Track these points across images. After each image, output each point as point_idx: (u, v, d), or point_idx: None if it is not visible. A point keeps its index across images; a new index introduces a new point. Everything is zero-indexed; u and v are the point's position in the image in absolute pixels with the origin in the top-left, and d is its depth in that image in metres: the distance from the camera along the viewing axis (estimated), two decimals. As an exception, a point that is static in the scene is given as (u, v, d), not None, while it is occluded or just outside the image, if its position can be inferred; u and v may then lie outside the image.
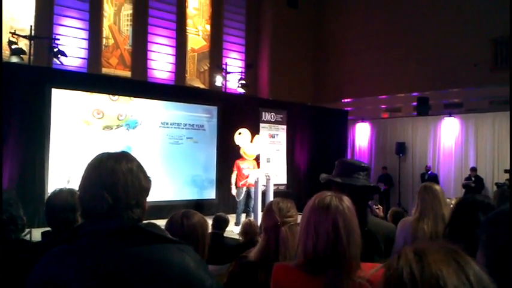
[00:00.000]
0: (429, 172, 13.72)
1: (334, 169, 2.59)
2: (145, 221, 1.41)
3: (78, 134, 9.42)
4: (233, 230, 8.66)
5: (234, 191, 9.45)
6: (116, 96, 10.07)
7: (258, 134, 10.80)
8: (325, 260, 1.65)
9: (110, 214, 1.34)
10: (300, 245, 1.74)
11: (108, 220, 1.34)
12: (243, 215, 9.28)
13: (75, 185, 2.45)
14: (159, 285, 1.29)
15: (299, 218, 1.93)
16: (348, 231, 1.67)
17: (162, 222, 2.24)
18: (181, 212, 2.18)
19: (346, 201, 1.74)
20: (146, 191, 1.44)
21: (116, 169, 1.37)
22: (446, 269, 0.60)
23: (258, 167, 9.82)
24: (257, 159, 10.10)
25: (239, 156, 9.64)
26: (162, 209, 9.46)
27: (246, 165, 9.45)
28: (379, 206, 7.48)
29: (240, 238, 5.39)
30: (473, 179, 12.66)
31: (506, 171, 11.88)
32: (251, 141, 9.74)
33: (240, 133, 9.65)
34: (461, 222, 2.28)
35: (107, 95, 9.95)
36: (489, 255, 1.05)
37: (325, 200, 1.72)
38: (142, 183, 1.42)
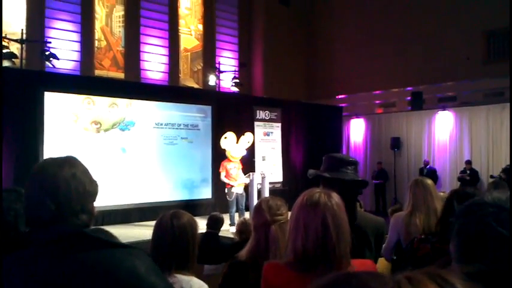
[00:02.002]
0: (428, 167, 13.71)
1: (322, 164, 2.59)
2: (92, 227, 1.39)
3: (72, 136, 9.40)
4: (229, 230, 8.69)
5: (244, 180, 9.65)
6: (111, 99, 10.05)
7: (252, 132, 10.83)
8: (315, 258, 1.64)
9: (54, 221, 1.32)
10: (290, 242, 1.73)
11: (52, 227, 1.31)
12: (236, 215, 9.34)
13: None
14: None
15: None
16: (337, 228, 1.65)
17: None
18: (170, 213, 2.18)
19: (335, 197, 1.73)
20: (92, 195, 1.41)
21: (57, 175, 1.34)
22: None
23: (242, 165, 9.91)
24: (249, 158, 10.21)
25: None
26: (158, 209, 9.44)
27: (232, 165, 9.64)
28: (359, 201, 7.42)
29: (236, 237, 5.40)
30: (468, 172, 12.70)
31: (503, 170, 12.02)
32: (237, 143, 9.92)
33: (225, 137, 9.85)
34: (451, 217, 2.28)
35: (101, 97, 9.92)
36: (459, 245, 1.06)
37: (314, 197, 1.71)
38: (87, 188, 1.38)
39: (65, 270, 1.26)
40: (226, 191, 9.62)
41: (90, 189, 1.40)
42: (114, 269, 1.27)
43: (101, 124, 9.86)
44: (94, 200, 1.42)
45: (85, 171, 1.41)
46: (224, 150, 9.82)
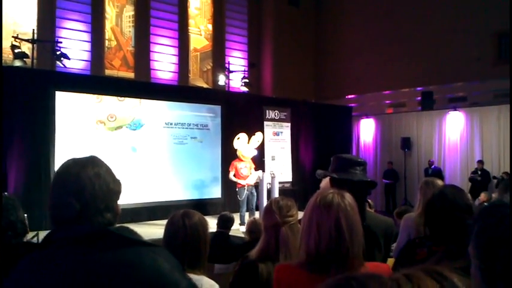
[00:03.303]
0: (433, 166, 13.66)
1: (331, 165, 2.58)
2: (116, 225, 1.39)
3: (83, 136, 9.44)
4: (239, 229, 8.71)
5: (255, 176, 9.69)
6: (122, 98, 10.09)
7: (261, 131, 10.83)
8: (328, 259, 1.63)
9: (78, 220, 1.33)
10: (302, 244, 1.72)
11: (77, 226, 1.32)
12: (247, 214, 9.34)
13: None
14: None
15: (300, 215, 1.93)
16: (351, 229, 1.65)
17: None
18: (181, 212, 2.18)
19: (348, 198, 1.72)
20: (116, 194, 1.42)
21: (81, 174, 1.36)
22: None
23: (255, 165, 9.91)
24: (259, 158, 10.23)
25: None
26: (168, 209, 9.50)
27: (243, 165, 9.65)
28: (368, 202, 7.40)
29: (246, 237, 5.40)
30: (479, 172, 12.60)
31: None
32: (248, 143, 9.94)
33: (238, 138, 9.88)
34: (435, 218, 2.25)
35: (112, 97, 9.97)
36: (479, 247, 1.06)
37: (327, 197, 1.70)
38: (111, 186, 1.40)
39: (90, 268, 1.26)
40: (237, 190, 9.63)
41: (114, 187, 1.41)
42: (138, 267, 1.28)
43: (111, 124, 9.91)
44: (118, 199, 1.43)
45: (108, 170, 1.43)
46: (236, 150, 9.84)
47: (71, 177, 1.36)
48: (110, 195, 1.39)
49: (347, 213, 1.66)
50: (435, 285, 0.59)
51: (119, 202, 1.44)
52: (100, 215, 1.36)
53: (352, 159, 2.57)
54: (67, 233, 1.32)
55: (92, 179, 1.36)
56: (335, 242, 1.63)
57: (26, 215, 2.36)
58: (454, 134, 14.12)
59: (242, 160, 9.70)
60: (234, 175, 9.59)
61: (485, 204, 7.50)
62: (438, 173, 12.80)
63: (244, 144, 9.86)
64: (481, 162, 12.85)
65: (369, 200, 7.13)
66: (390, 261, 3.25)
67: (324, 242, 1.64)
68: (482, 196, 8.14)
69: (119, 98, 10.06)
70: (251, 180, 9.59)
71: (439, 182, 3.27)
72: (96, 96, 9.73)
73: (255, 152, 10.11)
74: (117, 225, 1.40)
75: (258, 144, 10.23)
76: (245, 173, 9.57)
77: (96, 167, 1.40)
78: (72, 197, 1.33)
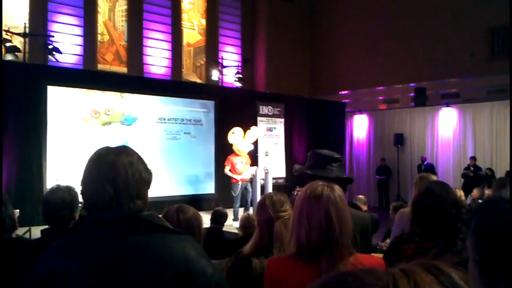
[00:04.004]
0: (425, 163, 13.72)
1: (307, 161, 2.58)
2: (146, 212, 1.44)
3: (75, 130, 9.40)
4: (232, 225, 8.70)
5: (250, 171, 9.69)
6: (114, 93, 10.04)
7: (255, 127, 10.81)
8: (319, 249, 1.67)
9: (111, 205, 1.37)
10: (293, 235, 1.76)
11: (109, 211, 1.37)
12: (241, 210, 9.33)
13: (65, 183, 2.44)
14: (160, 273, 1.31)
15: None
16: (340, 220, 1.69)
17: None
18: (175, 207, 2.18)
19: (338, 190, 1.76)
20: (147, 183, 1.47)
21: (116, 162, 1.40)
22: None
23: (251, 160, 9.89)
24: (252, 153, 10.22)
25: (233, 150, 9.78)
26: (162, 204, 9.44)
27: (239, 160, 9.63)
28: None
29: (239, 232, 5.39)
30: (472, 168, 12.66)
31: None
32: (244, 138, 9.92)
33: (233, 132, 9.85)
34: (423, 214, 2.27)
35: (104, 91, 9.91)
36: (477, 242, 1.06)
37: (317, 189, 1.74)
38: (143, 175, 1.44)
39: (120, 251, 1.32)
40: (231, 185, 9.62)
41: (146, 176, 1.45)
42: (167, 252, 1.34)
43: (103, 118, 9.86)
44: (149, 187, 1.47)
45: (141, 159, 1.47)
46: (231, 145, 9.81)
47: (106, 165, 1.40)
48: (142, 183, 1.44)
49: (337, 204, 1.70)
50: (432, 279, 0.58)
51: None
52: (132, 202, 1.40)
53: (329, 156, 2.58)
54: (98, 217, 1.38)
55: (126, 166, 1.40)
56: (325, 233, 1.67)
57: (17, 210, 2.33)
58: (446, 130, 14.18)
59: (238, 155, 9.68)
60: (230, 170, 9.57)
61: (478, 200, 7.55)
62: (431, 169, 12.85)
63: (239, 139, 9.83)
64: (473, 158, 12.90)
65: (363, 196, 7.17)
66: (376, 256, 3.26)
67: (315, 233, 1.68)
68: (475, 192, 8.17)
69: (110, 92, 10.01)
70: (246, 176, 9.57)
71: (434, 178, 3.28)
72: (88, 90, 9.67)
73: (251, 147, 10.11)
74: (146, 212, 1.44)
75: (255, 139, 10.22)
76: (240, 169, 9.56)
77: (130, 155, 1.44)
78: (107, 183, 1.37)
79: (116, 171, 1.38)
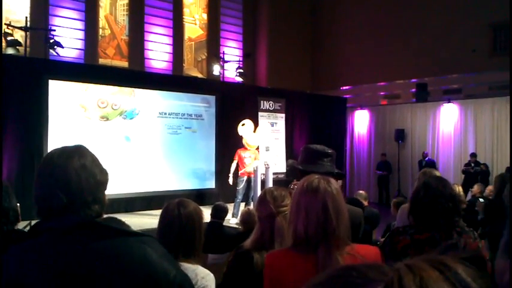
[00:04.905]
0: (426, 159, 13.69)
1: (299, 156, 2.59)
2: (105, 215, 1.40)
3: (76, 125, 9.39)
4: (229, 221, 8.64)
5: (231, 180, 9.58)
6: (115, 87, 10.03)
7: (256, 122, 10.80)
8: (316, 240, 1.71)
9: (65, 212, 1.32)
10: (291, 228, 1.79)
11: (64, 217, 1.31)
12: (242, 205, 9.29)
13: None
14: (120, 279, 1.27)
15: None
16: (337, 212, 1.73)
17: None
18: (176, 201, 2.17)
19: (334, 183, 1.81)
20: (103, 185, 1.41)
21: (67, 167, 1.34)
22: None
23: (259, 156, 9.87)
24: (257, 148, 10.18)
25: (238, 145, 9.75)
26: (162, 199, 9.48)
27: (247, 154, 9.54)
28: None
29: (240, 227, 5.39)
30: (472, 165, 12.64)
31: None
32: (254, 132, 9.85)
33: (243, 124, 9.78)
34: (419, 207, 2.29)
35: (105, 86, 9.90)
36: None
37: (314, 182, 1.78)
38: (98, 178, 1.38)
39: (78, 259, 1.27)
40: (231, 180, 9.55)
41: (101, 178, 1.40)
42: (126, 257, 1.29)
43: (104, 113, 9.85)
44: (105, 189, 1.42)
45: (95, 161, 1.41)
46: (241, 137, 9.71)
47: (56, 169, 1.34)
48: (97, 187, 1.38)
49: (333, 197, 1.75)
50: (438, 275, 0.57)
51: (110, 192, 1.43)
52: (87, 207, 1.35)
53: (320, 151, 2.58)
54: (55, 224, 1.31)
55: (78, 171, 1.34)
56: (322, 224, 1.71)
57: (18, 204, 2.33)
58: (448, 126, 14.16)
59: (247, 149, 9.59)
60: (237, 164, 9.47)
61: (478, 196, 7.52)
62: (432, 165, 12.80)
63: (250, 132, 9.75)
64: (473, 155, 12.87)
65: (363, 192, 7.17)
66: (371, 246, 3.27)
67: (312, 225, 1.72)
68: (476, 188, 8.15)
69: (111, 86, 10.00)
70: (250, 168, 9.49)
71: (437, 173, 3.28)
72: (89, 85, 9.66)
73: (260, 142, 10.05)
74: (106, 215, 1.40)
75: (264, 135, 10.18)
76: (248, 163, 9.45)
77: (82, 157, 1.38)
78: (58, 189, 1.32)
79: (68, 176, 1.33)
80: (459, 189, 4.80)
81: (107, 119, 9.89)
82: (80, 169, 1.35)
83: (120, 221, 1.39)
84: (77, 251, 1.27)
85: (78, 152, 1.39)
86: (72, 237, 1.29)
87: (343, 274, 0.61)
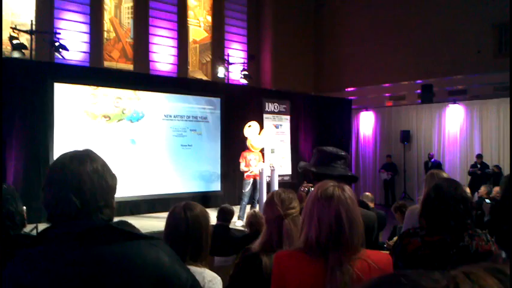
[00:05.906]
0: (432, 160, 13.63)
1: (312, 158, 2.57)
2: (116, 220, 1.40)
3: (82, 128, 9.41)
4: (235, 223, 8.64)
5: (245, 167, 9.53)
6: (120, 90, 10.04)
7: (261, 124, 10.79)
8: (327, 247, 1.68)
9: (78, 217, 1.32)
10: (303, 235, 1.76)
11: (77, 222, 1.32)
12: (248, 207, 9.28)
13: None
14: (134, 282, 1.28)
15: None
16: (351, 221, 1.69)
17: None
18: (182, 204, 2.16)
19: (348, 191, 1.76)
20: (114, 189, 1.42)
21: (80, 171, 1.34)
22: None
23: (263, 158, 9.85)
24: (262, 150, 10.16)
25: (243, 147, 9.71)
26: (168, 201, 9.51)
27: (252, 156, 9.52)
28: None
29: (246, 229, 5.38)
30: (479, 166, 12.59)
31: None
32: (259, 134, 9.85)
33: (249, 126, 9.77)
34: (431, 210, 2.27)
35: (110, 89, 9.91)
36: None
37: (328, 190, 1.73)
38: (109, 183, 1.39)
39: (93, 263, 1.27)
40: (243, 182, 9.52)
41: (112, 183, 1.41)
42: (139, 260, 1.30)
43: (110, 115, 9.86)
44: (115, 193, 1.43)
45: (105, 165, 1.42)
46: (245, 139, 9.70)
47: (69, 174, 1.34)
48: (108, 191, 1.39)
49: (347, 206, 1.70)
50: (497, 283, 0.56)
51: (115, 194, 1.43)
52: (100, 212, 1.36)
53: (333, 153, 2.56)
54: (68, 228, 1.31)
55: (91, 175, 1.35)
56: (335, 233, 1.67)
57: (24, 207, 2.32)
58: (453, 127, 14.10)
59: (252, 151, 9.57)
60: (245, 166, 9.46)
61: (485, 198, 7.48)
62: (438, 166, 12.76)
63: (255, 134, 9.74)
64: (480, 156, 12.81)
65: (370, 193, 7.14)
66: (382, 252, 3.25)
67: (324, 234, 1.68)
68: (482, 189, 8.11)
69: (116, 89, 10.01)
70: (256, 170, 9.47)
71: (444, 175, 3.25)
72: (94, 88, 9.67)
73: (265, 144, 10.03)
74: (116, 219, 1.40)
75: (267, 139, 10.17)
76: (254, 165, 9.44)
77: (94, 162, 1.38)
78: (71, 194, 1.32)
79: (82, 181, 1.33)
80: (465, 190, 4.76)
81: (112, 122, 9.89)
82: (92, 173, 1.35)
83: (131, 224, 1.40)
84: (90, 255, 1.27)
85: (90, 157, 1.39)
86: (85, 242, 1.29)
87: (392, 280, 0.59)
